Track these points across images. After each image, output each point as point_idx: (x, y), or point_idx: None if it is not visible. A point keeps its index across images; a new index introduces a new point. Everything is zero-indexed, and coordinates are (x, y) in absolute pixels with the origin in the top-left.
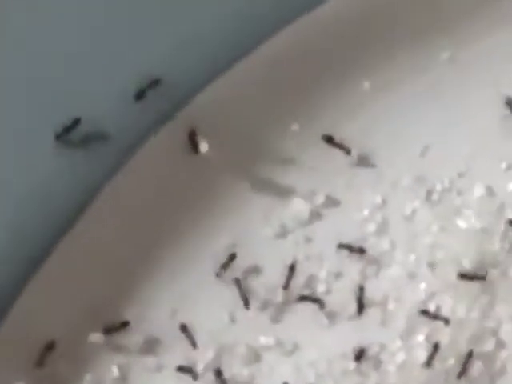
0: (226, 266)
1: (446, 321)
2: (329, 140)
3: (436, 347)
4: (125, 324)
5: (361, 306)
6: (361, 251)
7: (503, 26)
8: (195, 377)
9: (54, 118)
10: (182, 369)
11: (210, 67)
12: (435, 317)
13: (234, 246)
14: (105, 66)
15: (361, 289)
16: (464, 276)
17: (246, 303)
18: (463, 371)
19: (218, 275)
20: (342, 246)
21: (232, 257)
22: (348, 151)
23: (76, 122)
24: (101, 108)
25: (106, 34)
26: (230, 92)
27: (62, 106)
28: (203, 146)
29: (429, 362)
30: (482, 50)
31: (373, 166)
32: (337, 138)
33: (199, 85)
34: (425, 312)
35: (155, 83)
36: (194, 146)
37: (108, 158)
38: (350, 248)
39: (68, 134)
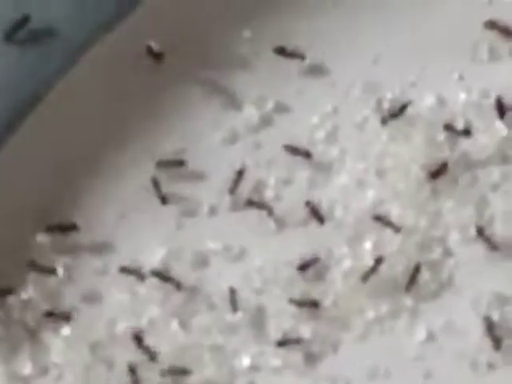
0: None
1: (397, 229)
2: (280, 51)
3: (379, 261)
4: (73, 226)
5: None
6: (307, 155)
7: None
8: (141, 278)
9: (3, 17)
10: (126, 270)
11: None
12: (387, 223)
13: (183, 150)
14: None
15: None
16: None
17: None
18: (411, 284)
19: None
20: (288, 147)
21: (180, 163)
22: (302, 57)
23: (25, 19)
24: (51, 5)
25: None
26: None
27: (10, 4)
28: (155, 48)
29: (367, 277)
30: None
31: (324, 73)
32: (289, 46)
33: None
34: (377, 218)
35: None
36: (148, 51)
37: (58, 56)
38: (296, 151)
39: (17, 31)
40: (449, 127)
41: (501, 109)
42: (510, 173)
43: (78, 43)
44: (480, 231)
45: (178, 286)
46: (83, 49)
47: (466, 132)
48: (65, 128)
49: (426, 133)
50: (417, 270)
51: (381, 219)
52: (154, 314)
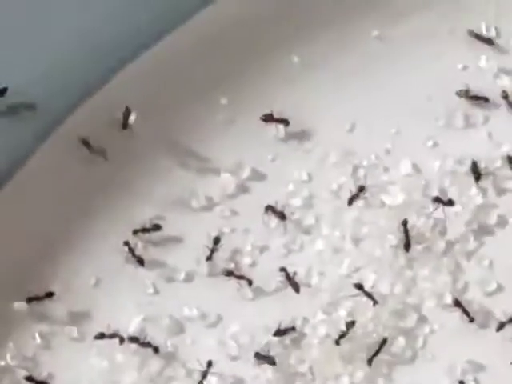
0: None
1: (375, 302)
2: (267, 118)
3: (349, 325)
4: (50, 294)
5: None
6: (282, 216)
7: (432, 4)
8: (121, 340)
9: None
10: (103, 336)
11: (139, 41)
12: (367, 294)
13: (159, 217)
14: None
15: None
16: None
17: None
18: (374, 356)
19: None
20: (268, 207)
21: (157, 227)
22: (286, 123)
23: (2, 91)
24: (27, 78)
25: None
26: (157, 65)
27: None
28: (131, 118)
29: (338, 341)
30: (411, 29)
31: (300, 140)
32: (264, 113)
33: (129, 57)
34: (359, 286)
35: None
36: (122, 119)
37: (34, 128)
38: (273, 210)
39: None
40: (437, 199)
41: (476, 172)
42: (485, 240)
43: (54, 114)
44: (457, 302)
45: (156, 350)
46: (58, 121)
47: (450, 202)
48: (40, 197)
49: (401, 200)
50: (383, 343)
51: (361, 288)
52: (132, 381)
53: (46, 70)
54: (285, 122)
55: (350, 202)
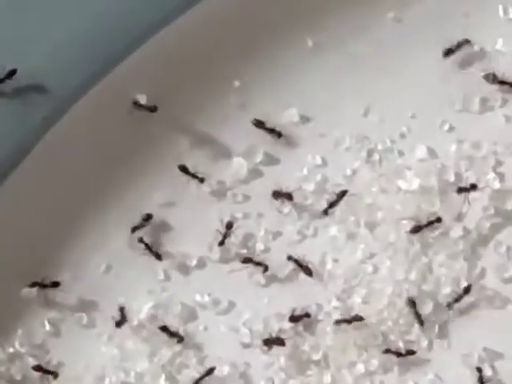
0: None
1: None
2: (258, 124)
3: (358, 318)
4: (55, 284)
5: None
6: (289, 197)
7: None
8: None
9: None
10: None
11: (151, 22)
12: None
13: (170, 203)
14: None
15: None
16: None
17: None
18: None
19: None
20: (274, 193)
21: (148, 216)
22: (279, 134)
23: (11, 73)
24: (36, 60)
25: None
26: (169, 47)
27: None
28: (142, 100)
29: (337, 322)
30: (427, 11)
31: (314, 125)
32: (280, 97)
33: (140, 39)
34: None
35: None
36: (133, 102)
37: (44, 110)
38: (279, 194)
39: (2, 83)
40: (461, 189)
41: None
42: (501, 225)
43: (64, 97)
44: (468, 289)
45: (179, 338)
46: (69, 102)
47: (473, 187)
48: (49, 182)
49: (417, 185)
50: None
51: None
52: (143, 369)
53: (55, 53)
54: (276, 133)
55: (326, 212)
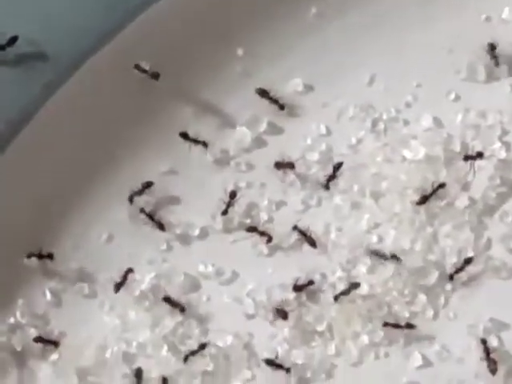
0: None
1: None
2: (262, 94)
3: (355, 285)
4: (50, 255)
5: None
6: (291, 166)
7: None
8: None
9: None
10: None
11: None
12: (382, 256)
13: (173, 172)
14: None
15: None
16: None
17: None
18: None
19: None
20: (276, 164)
21: (148, 184)
22: (282, 107)
23: (12, 40)
24: (38, 26)
25: None
26: (172, 14)
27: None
28: (144, 68)
29: (336, 298)
30: None
31: (318, 94)
32: (282, 66)
33: (142, 6)
34: (374, 253)
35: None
36: (135, 65)
37: (45, 77)
38: (281, 165)
39: (3, 51)
40: (468, 157)
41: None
42: (507, 195)
43: (65, 64)
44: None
45: (182, 308)
46: (70, 69)
47: (480, 155)
48: (51, 150)
49: (423, 154)
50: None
51: (377, 254)
52: (145, 339)
53: (56, 19)
54: (279, 105)
55: (327, 185)
